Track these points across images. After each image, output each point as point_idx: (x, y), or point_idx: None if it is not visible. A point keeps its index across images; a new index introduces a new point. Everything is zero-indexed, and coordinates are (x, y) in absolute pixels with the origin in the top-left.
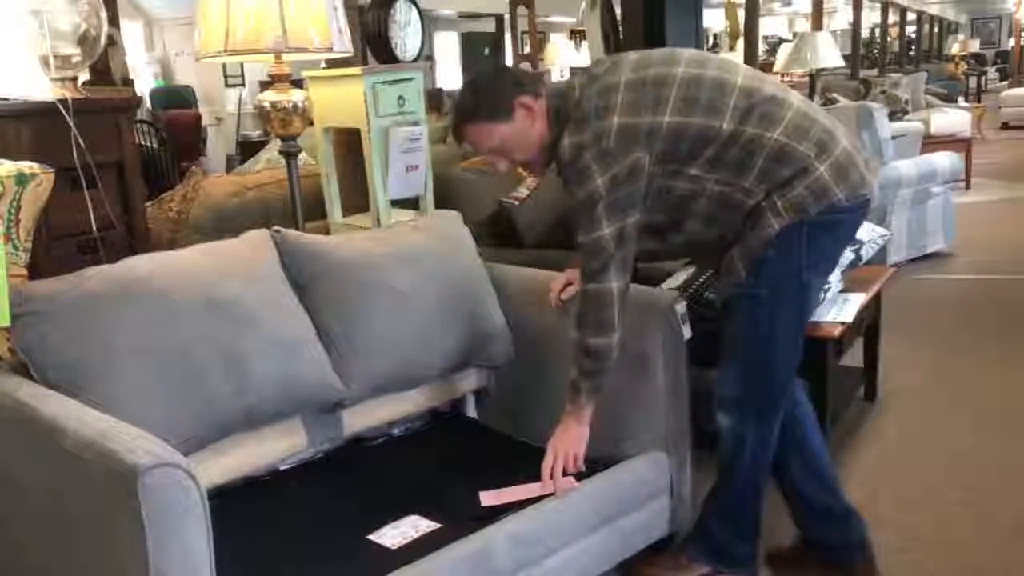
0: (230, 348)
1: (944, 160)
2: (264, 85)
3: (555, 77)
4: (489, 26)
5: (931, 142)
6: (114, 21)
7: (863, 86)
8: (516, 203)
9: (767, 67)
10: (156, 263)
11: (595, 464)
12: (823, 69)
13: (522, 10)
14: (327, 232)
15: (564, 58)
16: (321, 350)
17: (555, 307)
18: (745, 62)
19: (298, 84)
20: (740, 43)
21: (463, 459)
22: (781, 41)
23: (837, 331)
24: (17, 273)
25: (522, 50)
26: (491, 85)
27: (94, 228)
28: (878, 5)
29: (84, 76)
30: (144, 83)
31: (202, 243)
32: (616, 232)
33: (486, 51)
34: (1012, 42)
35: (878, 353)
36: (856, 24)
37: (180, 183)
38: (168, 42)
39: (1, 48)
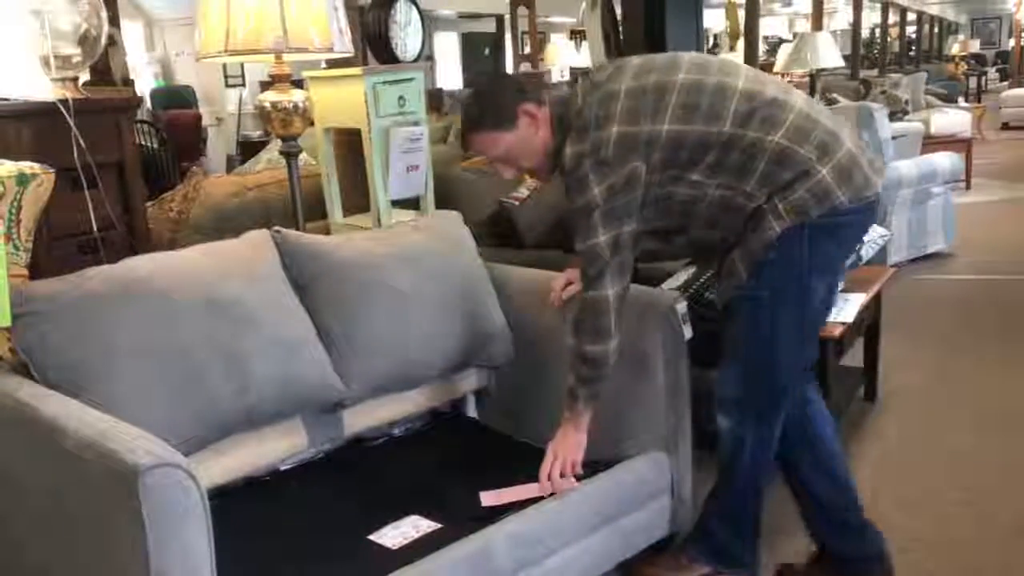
0: (231, 348)
1: (944, 160)
2: (264, 85)
3: (555, 77)
4: (489, 26)
5: (931, 142)
6: (114, 21)
7: (863, 86)
8: (516, 203)
9: (767, 67)
10: (157, 263)
11: (595, 464)
12: (823, 69)
13: (522, 10)
14: (328, 232)
15: (564, 58)
16: (322, 350)
17: (556, 306)
18: (745, 62)
19: (299, 84)
20: (740, 43)
21: (463, 459)
22: (781, 41)
23: (837, 331)
24: (18, 273)
25: (522, 50)
26: (495, 94)
27: (95, 228)
28: (878, 5)
29: (85, 76)
30: (144, 83)
31: (203, 243)
32: (611, 240)
33: (486, 51)
34: (1012, 42)
35: (878, 353)
36: (856, 24)
37: (180, 183)
38: (168, 42)
39: (2, 48)
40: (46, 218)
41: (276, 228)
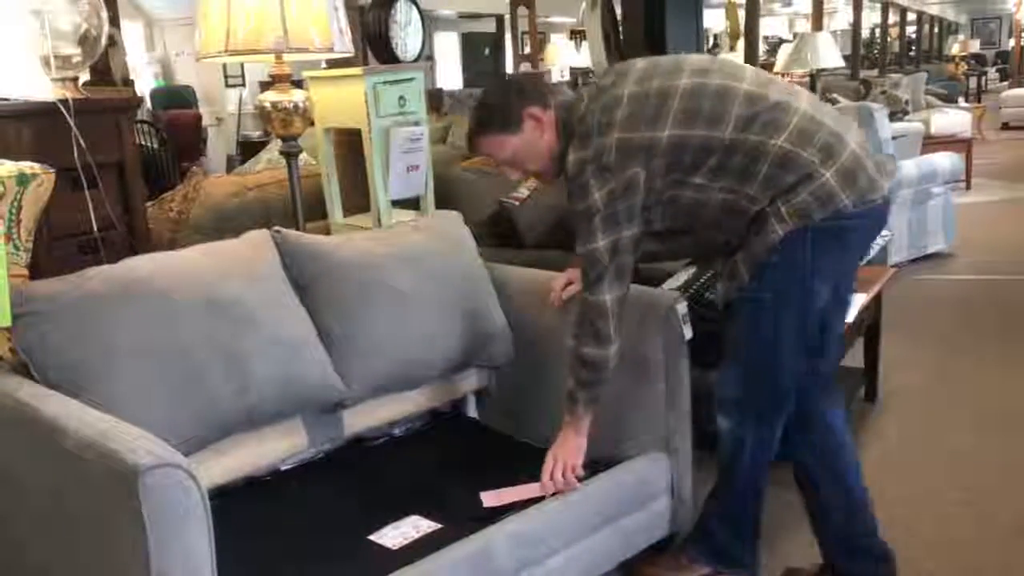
0: (231, 348)
1: (944, 160)
2: (264, 85)
3: (555, 77)
4: (489, 26)
5: (931, 142)
6: (115, 21)
7: (863, 86)
8: (517, 203)
9: (767, 68)
10: (157, 263)
11: (596, 464)
12: (823, 69)
13: (522, 10)
14: (328, 232)
15: (564, 58)
16: (322, 350)
17: (556, 306)
18: (745, 63)
19: (299, 84)
20: (740, 43)
21: (464, 459)
22: (781, 41)
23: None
24: (18, 273)
25: (522, 50)
26: (501, 97)
27: (95, 228)
28: (878, 5)
29: (85, 76)
30: (144, 83)
31: (203, 243)
32: (610, 245)
33: (486, 51)
34: (1012, 42)
35: (878, 353)
36: (856, 24)
37: (181, 183)
38: (168, 42)
39: (2, 48)
40: (46, 218)
41: (276, 228)
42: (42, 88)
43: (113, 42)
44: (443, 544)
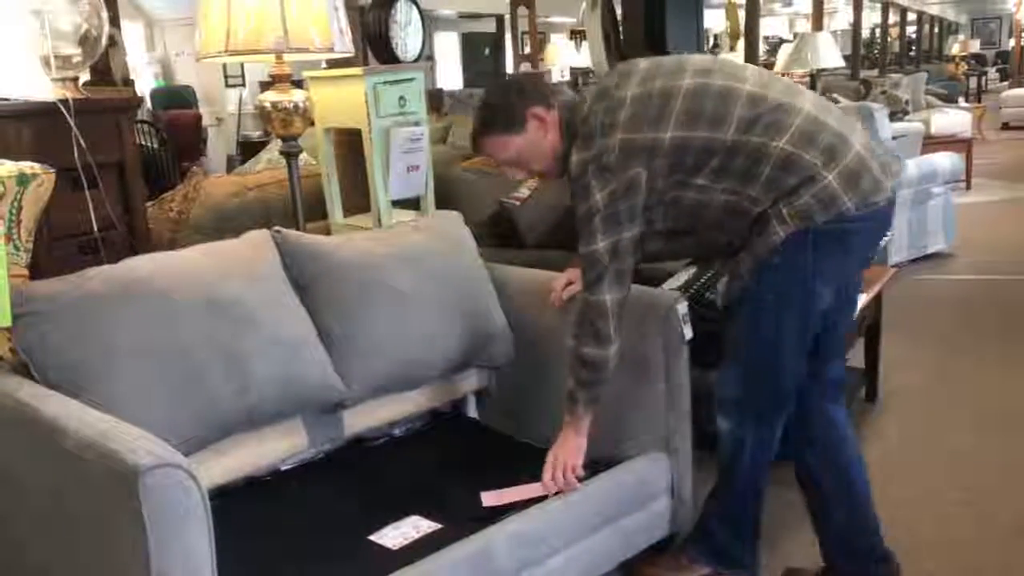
0: (231, 348)
1: (944, 160)
2: (264, 85)
3: (555, 77)
4: (489, 26)
5: (931, 142)
6: (115, 21)
7: (863, 86)
8: (517, 203)
9: (767, 68)
10: (157, 263)
11: (596, 464)
12: (823, 69)
13: (522, 10)
14: (328, 232)
15: (564, 58)
16: (322, 350)
17: (557, 307)
18: (746, 63)
19: (299, 84)
20: (740, 44)
21: (464, 459)
22: (782, 41)
23: None
24: (18, 273)
25: (522, 50)
26: (504, 97)
27: (95, 228)
28: (878, 5)
29: (85, 76)
30: (145, 83)
31: (203, 243)
32: (611, 246)
33: (486, 51)
34: (1012, 42)
35: (879, 353)
36: (856, 24)
37: (181, 183)
38: (169, 42)
39: (2, 48)
40: (46, 218)
41: (276, 228)
42: (42, 88)
43: (113, 42)
44: (443, 544)
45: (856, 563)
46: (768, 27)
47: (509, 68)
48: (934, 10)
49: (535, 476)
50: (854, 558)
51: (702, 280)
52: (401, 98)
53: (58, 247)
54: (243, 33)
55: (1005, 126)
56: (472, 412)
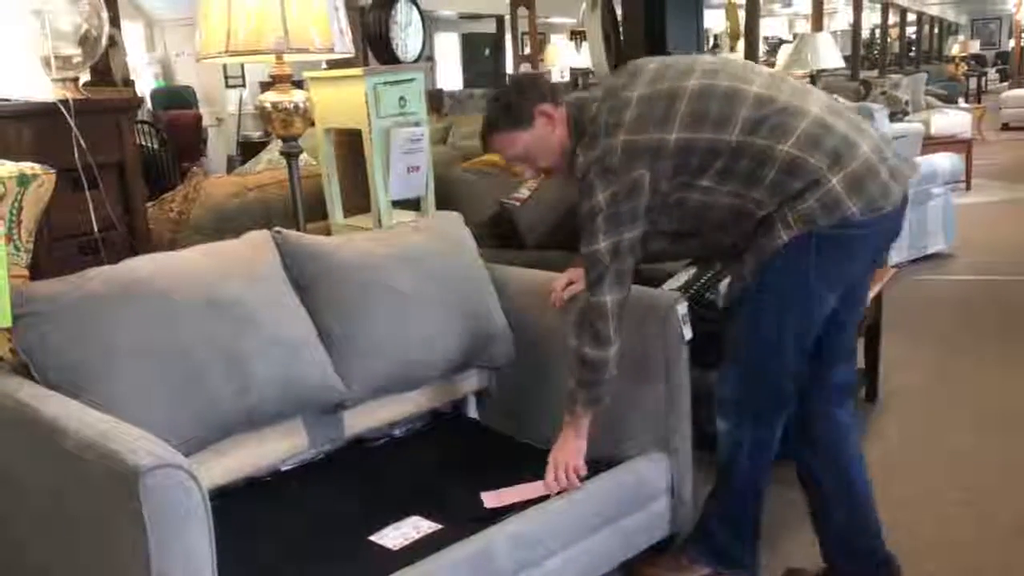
0: (231, 349)
1: (944, 161)
2: (265, 86)
3: (555, 78)
4: (489, 27)
5: (931, 143)
6: (115, 22)
7: (863, 87)
8: (517, 204)
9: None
10: (157, 264)
11: (596, 465)
12: (823, 70)
13: (523, 11)
14: (328, 233)
15: (564, 59)
16: (322, 351)
17: (557, 307)
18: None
19: (299, 85)
20: (740, 44)
21: (464, 460)
22: (781, 42)
23: None
24: (18, 274)
25: (522, 51)
26: (512, 95)
27: (95, 229)
28: (878, 6)
29: (85, 77)
30: (145, 84)
31: (203, 244)
32: (612, 246)
33: (486, 52)
34: (1012, 43)
35: (879, 353)
36: (856, 25)
37: (181, 184)
38: (169, 43)
39: (2, 48)
40: (47, 219)
41: (277, 228)
42: (43, 88)
43: (113, 42)
44: (443, 545)
45: (856, 564)
46: (768, 27)
47: (509, 69)
48: (934, 11)
49: (536, 476)
50: (854, 559)
51: (702, 280)
52: (401, 98)
53: (58, 247)
54: (243, 33)
55: (1005, 127)
56: (472, 413)
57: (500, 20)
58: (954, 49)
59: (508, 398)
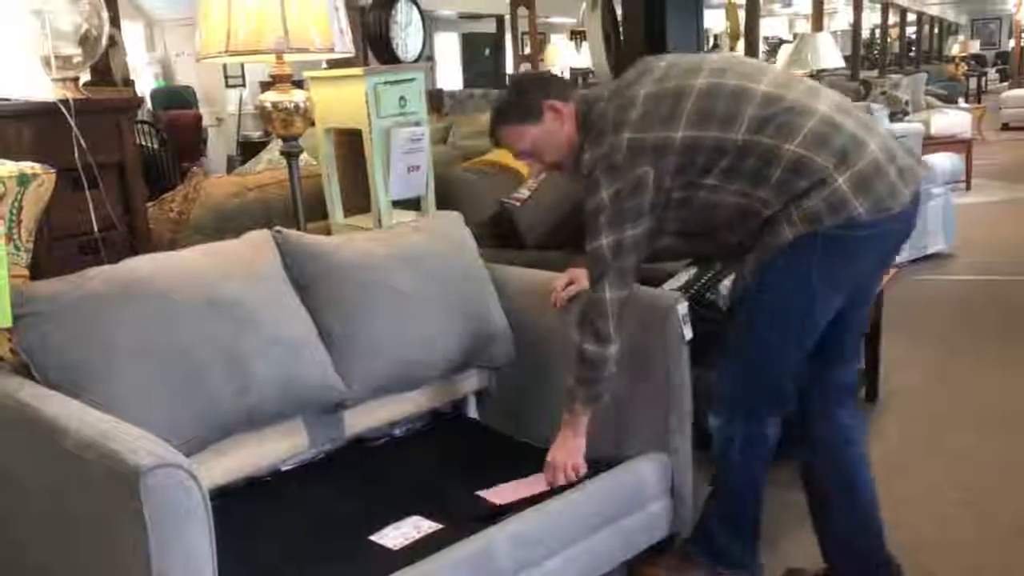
0: (231, 348)
1: (944, 161)
2: (265, 86)
3: None
4: (489, 27)
5: (931, 143)
6: (115, 21)
7: (863, 87)
8: (517, 204)
9: None
10: (157, 263)
11: (596, 464)
12: (823, 70)
13: (523, 11)
14: (328, 233)
15: (564, 59)
16: (323, 351)
17: (558, 307)
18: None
19: (299, 84)
20: (741, 44)
21: (464, 460)
22: (782, 42)
23: None
24: (19, 273)
25: (522, 51)
26: (522, 89)
27: (95, 228)
28: (878, 6)
29: (85, 76)
30: (145, 84)
31: (203, 243)
32: (614, 243)
33: (486, 52)
34: (1012, 43)
35: (879, 353)
36: (856, 25)
37: (181, 184)
38: (169, 43)
39: (2, 48)
40: (47, 218)
41: (277, 228)
42: (43, 88)
43: (113, 42)
44: (444, 544)
45: (857, 564)
46: (768, 27)
47: (509, 69)
48: (934, 11)
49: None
50: (855, 559)
51: (702, 280)
52: (401, 98)
53: (58, 247)
54: (243, 33)
55: (1005, 127)
56: (472, 412)
57: (500, 20)
58: (954, 49)
59: (508, 398)
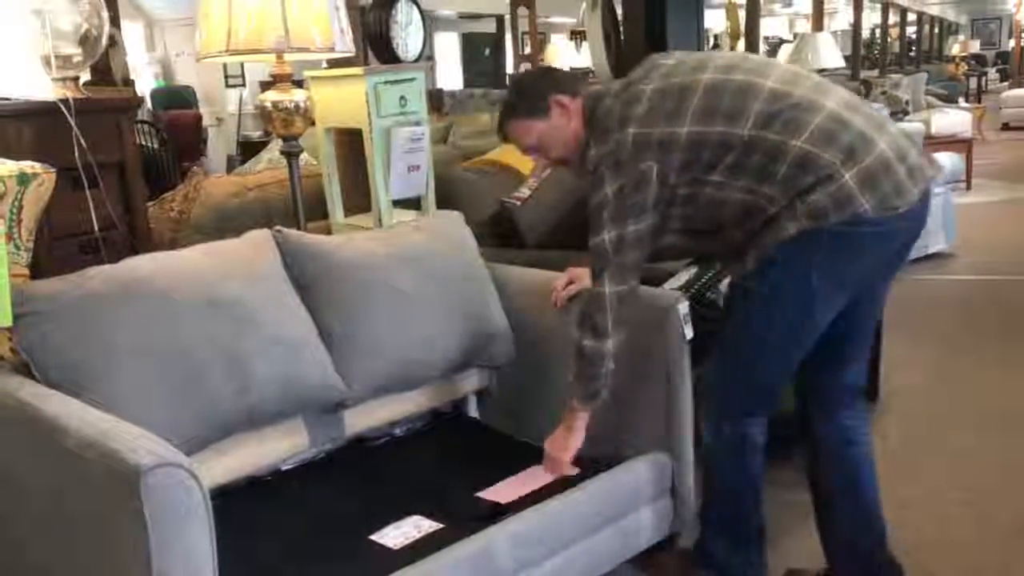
0: (232, 348)
1: (945, 161)
2: (265, 85)
3: None
4: (490, 26)
5: (932, 143)
6: (115, 21)
7: (864, 87)
8: (518, 203)
9: None
10: (158, 263)
11: (596, 465)
12: (824, 70)
13: (523, 11)
14: (329, 232)
15: (564, 59)
16: (323, 350)
17: (558, 306)
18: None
19: (299, 84)
20: (741, 44)
21: (465, 459)
22: (782, 42)
23: None
24: (19, 273)
25: (522, 51)
26: (530, 84)
27: (96, 228)
28: (878, 6)
29: (85, 76)
30: (145, 83)
31: (203, 243)
32: (616, 239)
33: (486, 52)
34: (1012, 43)
35: (879, 353)
36: (857, 25)
37: (181, 183)
38: (169, 42)
39: (3, 48)
40: (47, 218)
41: (277, 228)
42: (43, 88)
43: (114, 42)
44: (444, 544)
45: (858, 564)
46: (768, 27)
47: (509, 68)
48: (934, 10)
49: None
50: (856, 559)
51: (703, 280)
52: (402, 98)
53: (59, 247)
54: (244, 33)
55: (1005, 126)
56: (473, 412)
57: (500, 20)
58: (954, 49)
59: (508, 397)
